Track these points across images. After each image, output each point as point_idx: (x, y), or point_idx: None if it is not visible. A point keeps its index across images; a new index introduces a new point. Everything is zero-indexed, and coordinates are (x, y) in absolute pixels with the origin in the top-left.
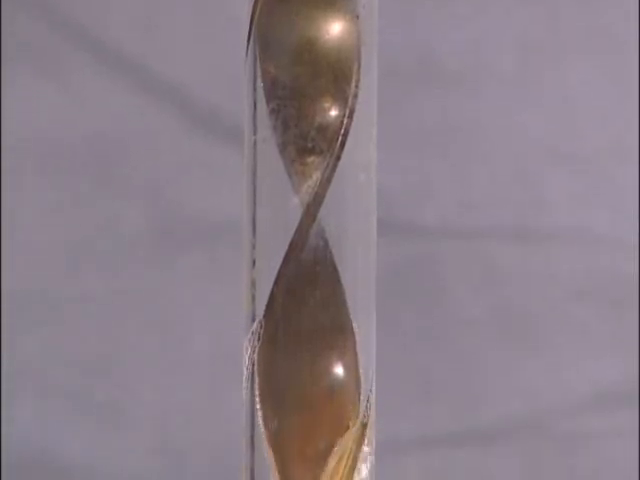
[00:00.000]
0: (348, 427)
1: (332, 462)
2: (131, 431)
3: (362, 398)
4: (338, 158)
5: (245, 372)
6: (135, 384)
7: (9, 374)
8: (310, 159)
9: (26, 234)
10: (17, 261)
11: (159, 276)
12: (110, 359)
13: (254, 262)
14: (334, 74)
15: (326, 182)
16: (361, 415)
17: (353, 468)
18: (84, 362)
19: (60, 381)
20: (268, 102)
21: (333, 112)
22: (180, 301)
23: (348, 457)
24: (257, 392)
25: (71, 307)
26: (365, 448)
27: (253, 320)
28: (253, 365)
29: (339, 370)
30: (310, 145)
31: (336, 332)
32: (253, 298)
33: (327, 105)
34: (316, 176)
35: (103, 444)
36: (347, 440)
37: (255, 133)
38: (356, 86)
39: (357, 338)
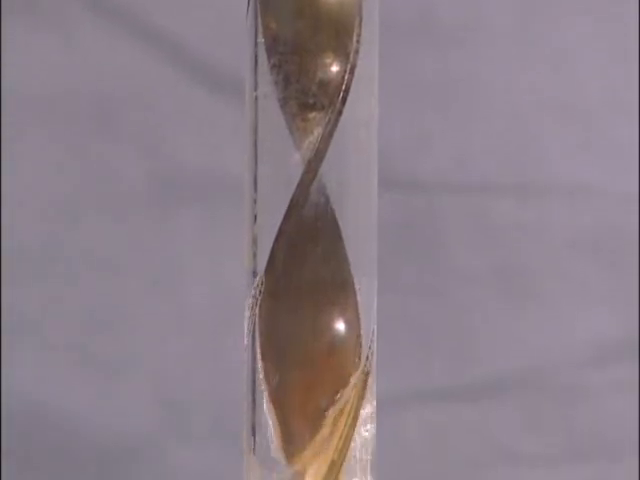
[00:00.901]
0: (349, 382)
1: (333, 417)
2: (131, 384)
3: (363, 353)
4: (339, 114)
5: (246, 328)
6: (135, 337)
7: (9, 328)
8: (311, 115)
9: (26, 188)
10: (17, 215)
11: (159, 230)
12: (110, 313)
13: (255, 218)
14: (335, 29)
15: (327, 138)
16: (362, 370)
17: (354, 423)
18: (84, 316)
19: (60, 335)
20: (269, 58)
21: (334, 68)
22: (180, 255)
23: (349, 412)
24: (258, 348)
25: (70, 261)
26: (366, 403)
27: (254, 276)
28: (254, 321)
29: (340, 325)
30: (311, 101)
31: (337, 287)
32: (254, 254)
33: (328, 61)
34: (317, 132)
35: (103, 397)
36: (348, 395)
37: (256, 89)
38: (357, 41)
39: (358, 293)
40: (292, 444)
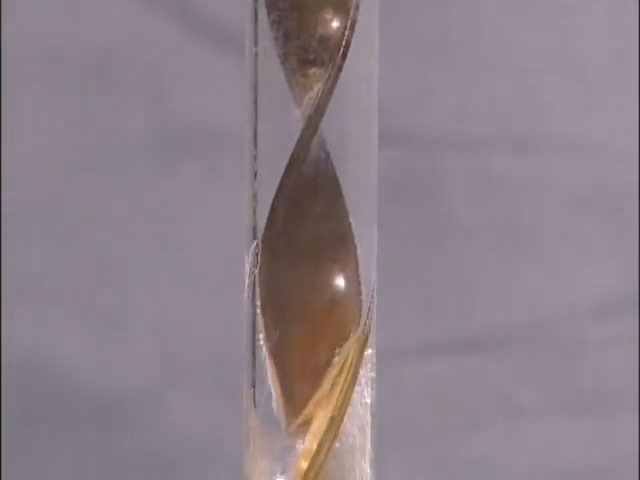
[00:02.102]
0: (349, 338)
1: (333, 373)
2: (131, 338)
3: (363, 309)
4: (339, 70)
5: (246, 283)
6: (135, 292)
7: (9, 283)
8: (311, 71)
9: (26, 144)
10: (17, 171)
11: (159, 186)
12: (110, 268)
13: (255, 174)
14: None
15: (327, 94)
16: (362, 326)
17: (354, 378)
18: (84, 271)
19: (60, 290)
20: (269, 13)
21: (334, 23)
22: (180, 210)
23: (349, 368)
24: (258, 303)
25: (70, 216)
26: (366, 358)
27: (254, 232)
28: (254, 277)
29: (340, 281)
30: (311, 57)
31: (337, 244)
32: (254, 210)
33: (328, 16)
34: (317, 88)
35: (103, 351)
36: (348, 351)
37: (256, 45)
38: None
39: (358, 249)
40: (292, 400)
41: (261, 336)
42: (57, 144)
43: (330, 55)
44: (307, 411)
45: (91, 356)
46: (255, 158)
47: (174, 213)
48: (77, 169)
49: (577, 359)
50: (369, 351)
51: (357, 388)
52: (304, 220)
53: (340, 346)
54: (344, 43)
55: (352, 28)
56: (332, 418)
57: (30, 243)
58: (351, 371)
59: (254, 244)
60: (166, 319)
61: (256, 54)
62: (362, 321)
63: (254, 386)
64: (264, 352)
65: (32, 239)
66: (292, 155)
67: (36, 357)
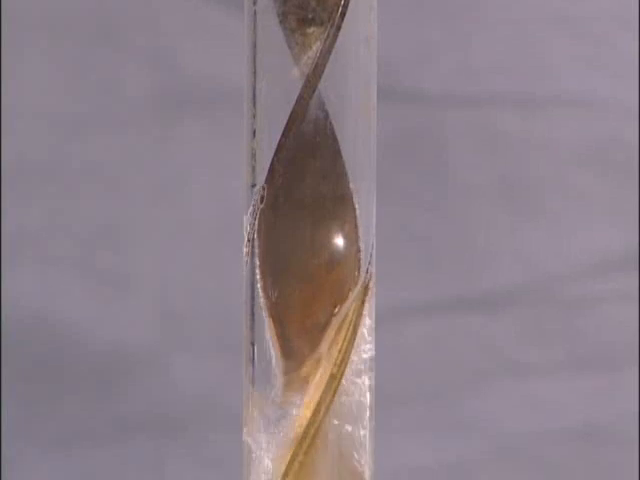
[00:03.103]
0: (348, 297)
1: (332, 332)
2: (132, 296)
3: (362, 267)
4: (338, 29)
5: (245, 243)
6: (136, 250)
7: (10, 240)
8: (310, 30)
9: (26, 100)
10: (17, 128)
11: (160, 143)
12: (110, 226)
13: (254, 133)
14: None
15: (326, 53)
16: (361, 284)
17: (353, 337)
18: (85, 228)
19: (61, 247)
20: None
21: None
22: (181, 167)
23: (348, 326)
24: (257, 263)
25: (71, 173)
26: (365, 317)
27: (253, 191)
28: (253, 236)
29: (339, 240)
30: (310, 16)
31: (336, 203)
32: (253, 169)
33: None
34: (316, 47)
35: (104, 309)
36: (347, 309)
37: (255, 3)
38: None
39: (357, 209)
40: (291, 358)
41: (260, 295)
42: (58, 100)
43: (329, 14)
44: (306, 369)
45: (92, 313)
46: (254, 117)
47: (174, 169)
48: (78, 125)
49: (578, 316)
50: (368, 309)
51: (356, 345)
52: (303, 179)
53: (339, 305)
54: (343, 2)
55: None
56: (331, 376)
57: (31, 202)
58: (350, 329)
59: (253, 202)
60: (167, 276)
61: (255, 12)
62: (361, 280)
63: (253, 344)
64: (263, 311)
65: (33, 197)
66: (291, 114)
67: (37, 314)
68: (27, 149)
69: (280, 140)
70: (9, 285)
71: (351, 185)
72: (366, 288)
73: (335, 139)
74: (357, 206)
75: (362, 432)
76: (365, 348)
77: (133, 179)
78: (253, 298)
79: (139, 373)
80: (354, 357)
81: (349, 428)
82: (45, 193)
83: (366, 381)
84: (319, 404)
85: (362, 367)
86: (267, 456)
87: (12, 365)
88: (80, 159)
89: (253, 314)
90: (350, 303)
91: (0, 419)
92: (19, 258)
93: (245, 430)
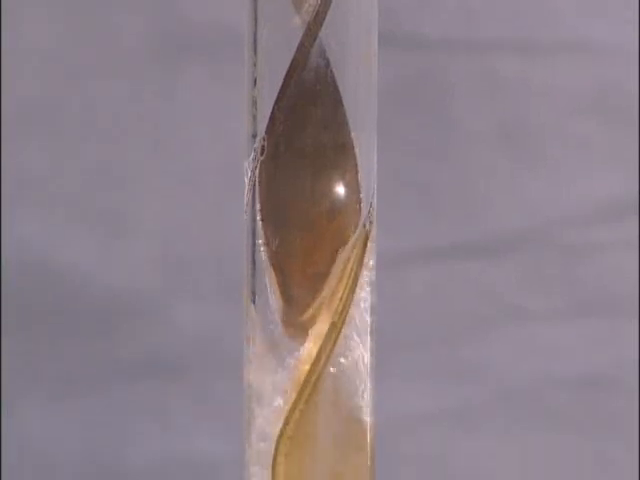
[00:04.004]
0: (349, 245)
1: (333, 280)
2: (133, 241)
3: (363, 216)
4: None
5: (246, 191)
6: (137, 195)
7: (10, 185)
8: None
9: (26, 44)
10: (17, 74)
11: (160, 88)
12: (111, 170)
13: (255, 81)
14: None
15: (327, 1)
16: (362, 232)
17: (354, 285)
18: (85, 173)
19: (61, 192)
20: None
21: None
22: (181, 113)
23: (349, 274)
24: (258, 211)
25: (71, 119)
26: (366, 265)
27: (254, 139)
28: (254, 184)
29: (340, 189)
30: None
31: (337, 151)
32: (254, 117)
33: None
34: None
35: (104, 254)
36: (348, 257)
37: None
38: None
39: (358, 157)
40: (292, 306)
41: (261, 243)
42: (58, 45)
43: None
44: (307, 317)
45: (92, 258)
46: (255, 65)
47: (175, 115)
48: (77, 71)
49: (578, 263)
50: (369, 257)
51: (357, 294)
52: (304, 127)
53: (340, 253)
54: None
55: None
56: (332, 324)
57: (30, 147)
58: (351, 277)
59: (254, 151)
60: (167, 221)
61: None
62: (362, 228)
63: (254, 293)
64: (264, 260)
65: (32, 142)
66: (292, 62)
67: (37, 258)
68: (27, 94)
69: (281, 88)
70: (9, 229)
71: (352, 133)
72: (367, 236)
73: (336, 87)
74: (358, 154)
75: (363, 380)
76: (366, 296)
77: (134, 124)
78: (254, 247)
79: (140, 317)
80: (354, 305)
81: (350, 376)
82: (45, 138)
83: (367, 330)
84: (320, 352)
85: (362, 315)
86: (268, 403)
87: (12, 310)
88: (80, 104)
89: (254, 262)
90: (351, 251)
91: (0, 364)
92: (19, 202)
93: (246, 378)
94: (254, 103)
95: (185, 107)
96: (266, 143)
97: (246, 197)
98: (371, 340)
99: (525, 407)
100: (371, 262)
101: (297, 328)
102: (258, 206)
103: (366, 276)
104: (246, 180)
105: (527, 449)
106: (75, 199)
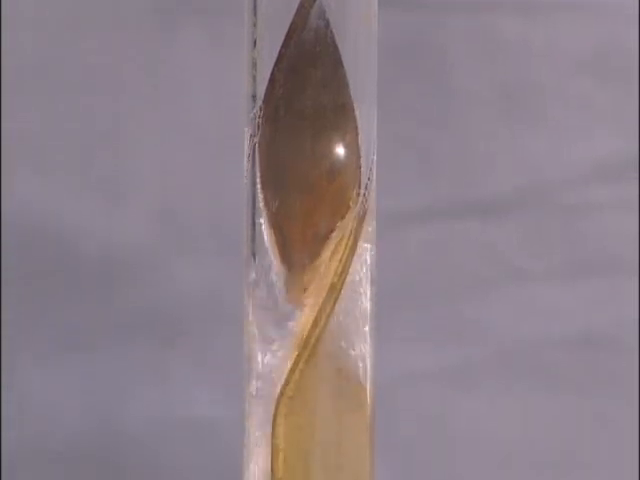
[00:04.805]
0: (349, 206)
1: (332, 242)
2: (132, 199)
3: (363, 177)
4: None
5: (246, 153)
6: (135, 153)
7: (8, 145)
8: None
9: (26, 8)
10: (16, 30)
11: (159, 48)
12: (110, 132)
13: (255, 42)
14: None
15: None
16: (362, 194)
17: (354, 247)
18: (84, 135)
19: (60, 154)
20: None
21: None
22: (180, 76)
23: (349, 236)
24: (258, 173)
25: (70, 77)
26: (365, 226)
27: (254, 100)
28: (254, 145)
29: (340, 150)
30: None
31: (337, 112)
32: (254, 78)
33: None
34: None
35: (103, 214)
36: (347, 219)
37: None
38: None
39: (358, 118)
40: (292, 268)
41: (261, 205)
42: (55, 5)
43: None
44: (307, 279)
45: (92, 215)
46: (254, 25)
47: (174, 75)
48: (77, 28)
49: (578, 223)
50: (369, 218)
51: (357, 254)
52: (304, 89)
53: (340, 216)
54: None
55: None
56: (332, 285)
57: (29, 105)
58: (351, 239)
59: (254, 112)
60: (167, 180)
61: None
62: (362, 189)
63: (254, 254)
64: (264, 221)
65: (31, 101)
66: (292, 23)
67: (37, 216)
68: (27, 52)
69: (281, 49)
70: (8, 188)
71: (352, 95)
72: (367, 197)
73: (336, 48)
74: (358, 115)
75: (363, 341)
76: (365, 257)
77: (133, 84)
78: (254, 209)
79: (140, 276)
80: (354, 266)
81: (350, 337)
82: (44, 96)
83: (367, 290)
84: (319, 314)
85: (362, 276)
86: (267, 364)
87: (12, 269)
88: (79, 63)
89: (254, 224)
90: (351, 213)
91: (0, 323)
92: (18, 161)
93: (246, 338)
94: (254, 64)
95: (184, 66)
96: (266, 105)
97: (246, 159)
98: (371, 300)
99: (525, 366)
100: (371, 223)
101: (297, 289)
102: (258, 168)
103: (366, 237)
104: (246, 141)
105: (527, 408)
106: (74, 159)
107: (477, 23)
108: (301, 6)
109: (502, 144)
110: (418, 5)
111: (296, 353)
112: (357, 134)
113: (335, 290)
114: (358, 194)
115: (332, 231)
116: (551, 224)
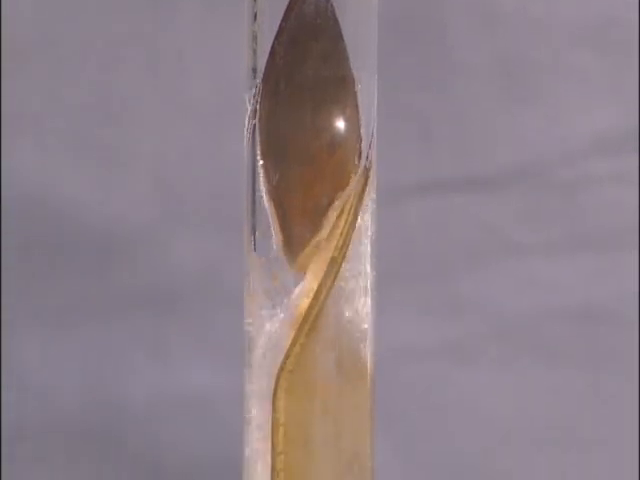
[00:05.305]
0: (349, 180)
1: (333, 215)
2: (131, 173)
3: (363, 150)
4: None
5: (246, 126)
6: (135, 128)
7: (8, 118)
8: None
9: None
10: (17, 9)
11: (159, 20)
12: (109, 103)
13: (255, 15)
14: None
15: None
16: (362, 167)
17: (354, 220)
18: (84, 105)
19: (60, 124)
20: None
21: None
22: (180, 48)
23: (349, 210)
24: (258, 147)
25: (70, 50)
26: (366, 200)
27: (254, 74)
28: (254, 119)
29: (340, 123)
30: None
31: (337, 85)
32: (254, 51)
33: None
34: None
35: (103, 186)
36: (348, 193)
37: None
38: None
39: (358, 91)
40: (292, 242)
41: (261, 178)
42: None
43: None
44: (307, 252)
45: (91, 191)
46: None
47: (175, 47)
48: (76, 2)
49: (577, 197)
50: (369, 192)
51: (357, 227)
52: (304, 61)
53: (340, 188)
54: None
55: None
56: (332, 259)
57: (29, 79)
58: (351, 212)
59: (254, 85)
60: (166, 155)
61: None
62: (362, 162)
63: (254, 228)
64: (264, 195)
65: (31, 74)
66: None
67: (36, 191)
68: (26, 25)
69: (281, 23)
70: (8, 162)
71: (352, 67)
72: (367, 171)
73: (336, 21)
74: (358, 88)
75: (363, 314)
76: (366, 232)
77: (132, 56)
78: (254, 182)
79: (139, 250)
80: (355, 240)
81: (350, 311)
82: (43, 70)
83: (367, 264)
84: (320, 288)
85: (363, 250)
86: (268, 338)
87: (11, 243)
88: (79, 36)
89: (254, 197)
90: (351, 186)
91: (0, 297)
92: (17, 135)
93: (246, 312)
94: (254, 38)
95: (184, 40)
96: (266, 78)
97: (246, 132)
98: (371, 273)
99: (524, 341)
100: (371, 196)
101: (297, 263)
102: (258, 141)
103: (366, 210)
104: (246, 115)
105: (526, 383)
106: (73, 132)
107: None
108: None
109: (501, 117)
110: None
111: (296, 327)
112: (357, 107)
113: (336, 264)
114: (359, 167)
115: (332, 204)
116: (551, 198)
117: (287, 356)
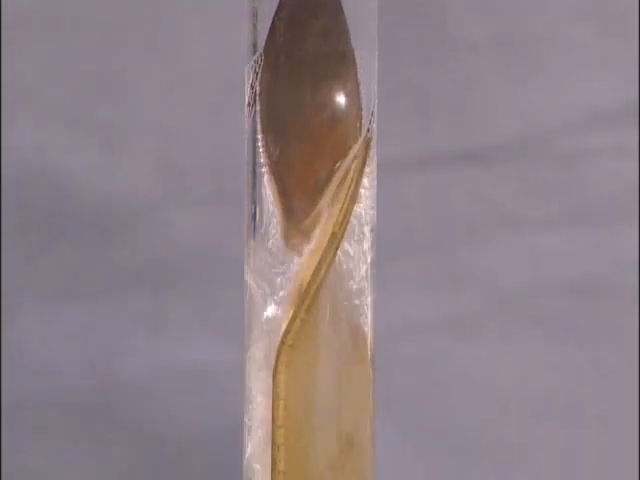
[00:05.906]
0: (349, 154)
1: (333, 189)
2: (132, 149)
3: (363, 125)
4: None
5: (246, 102)
6: (136, 103)
7: (9, 94)
8: None
9: None
10: None
11: None
12: (110, 79)
13: None
14: None
15: None
16: (362, 142)
17: (354, 195)
18: (84, 84)
19: (60, 99)
20: None
21: None
22: (180, 19)
23: (349, 185)
24: (259, 122)
25: (71, 26)
26: (366, 175)
27: (254, 49)
28: (255, 96)
29: (340, 98)
30: None
31: (338, 61)
32: (254, 27)
33: None
34: None
35: (104, 162)
36: (348, 167)
37: None
38: None
39: (358, 67)
40: (293, 216)
41: (261, 153)
42: None
43: None
44: (308, 227)
45: (92, 167)
46: None
47: (174, 24)
48: None
49: (577, 170)
50: (369, 167)
51: (357, 202)
52: (304, 37)
53: (340, 163)
54: None
55: None
56: (333, 234)
57: (30, 52)
58: (351, 187)
59: (254, 61)
60: (167, 130)
61: None
62: (362, 137)
63: (255, 202)
64: (264, 169)
65: (31, 50)
66: None
67: (36, 166)
68: (25, 1)
69: None
70: (8, 137)
71: (352, 43)
72: (367, 146)
73: None
74: (358, 64)
75: (363, 290)
76: (366, 206)
77: (132, 32)
78: (254, 157)
79: (139, 225)
80: (355, 215)
81: (350, 286)
82: (43, 45)
83: (367, 239)
84: (320, 262)
85: (363, 225)
86: (269, 312)
87: (11, 218)
88: (78, 11)
89: (254, 172)
90: (351, 161)
91: (0, 272)
92: (18, 110)
93: (246, 287)
94: (255, 14)
95: (184, 14)
96: (266, 53)
97: (247, 107)
98: (372, 249)
99: (524, 314)
100: (372, 171)
101: (298, 238)
102: (258, 117)
103: (366, 184)
104: (246, 90)
105: (526, 356)
106: (74, 108)
107: None
108: None
109: (501, 92)
110: None
111: (297, 302)
112: (358, 82)
113: (336, 239)
114: (358, 142)
115: (332, 179)
116: (550, 171)
117: (287, 331)
